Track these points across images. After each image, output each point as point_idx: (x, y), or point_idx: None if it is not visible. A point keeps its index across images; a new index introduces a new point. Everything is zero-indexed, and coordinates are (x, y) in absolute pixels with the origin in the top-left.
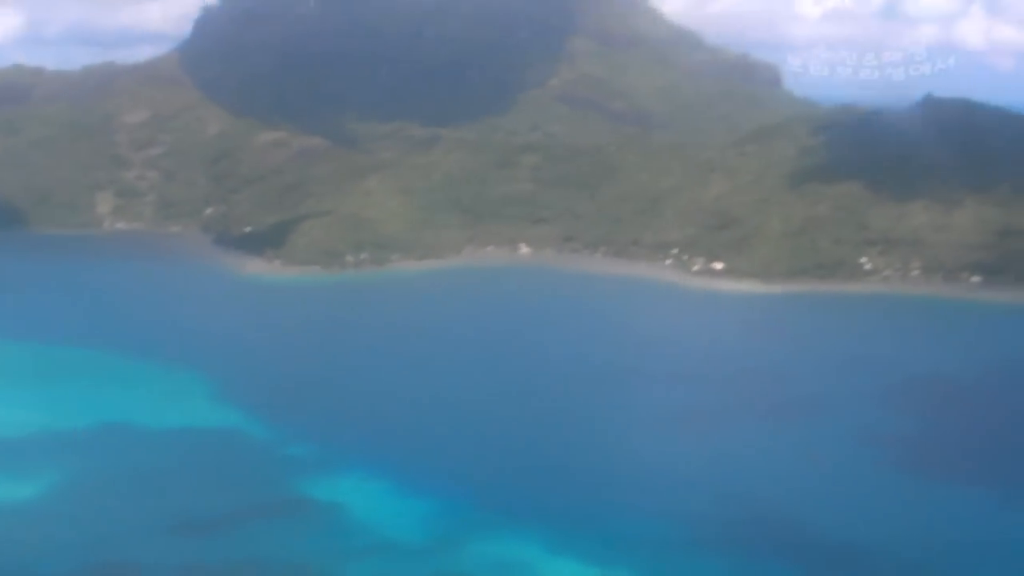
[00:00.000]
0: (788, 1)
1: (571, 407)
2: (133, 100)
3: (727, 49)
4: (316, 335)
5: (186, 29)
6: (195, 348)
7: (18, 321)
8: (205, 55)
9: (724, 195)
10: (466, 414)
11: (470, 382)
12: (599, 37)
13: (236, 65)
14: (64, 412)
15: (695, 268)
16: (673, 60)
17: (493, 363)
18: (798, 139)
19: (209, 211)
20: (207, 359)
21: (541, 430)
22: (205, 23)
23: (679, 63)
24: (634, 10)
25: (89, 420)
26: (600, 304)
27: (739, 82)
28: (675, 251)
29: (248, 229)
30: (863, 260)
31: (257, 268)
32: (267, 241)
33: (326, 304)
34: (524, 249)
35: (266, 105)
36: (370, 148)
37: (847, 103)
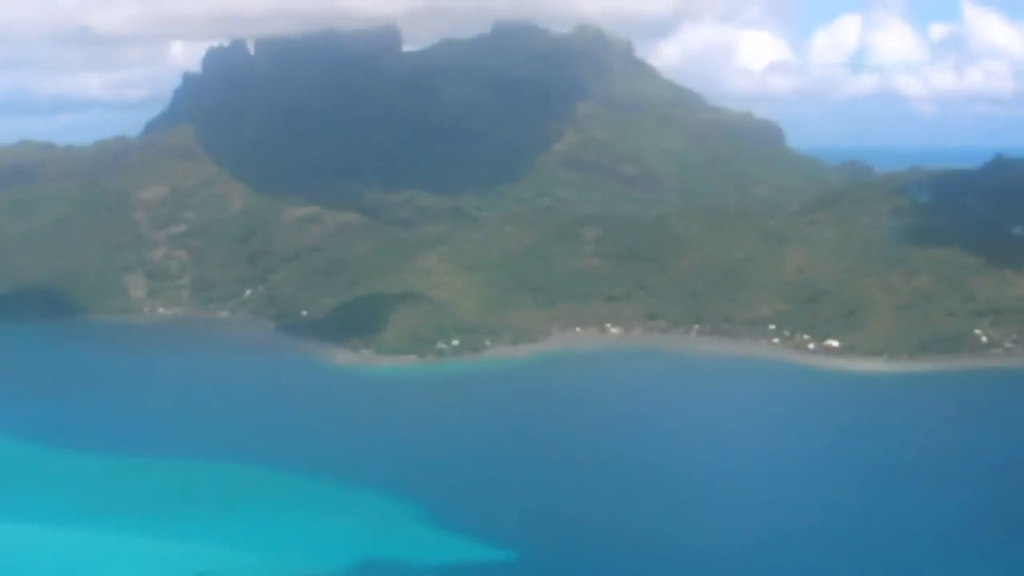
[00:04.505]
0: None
1: (862, 517)
2: (148, 175)
3: (729, 108)
4: (483, 441)
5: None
6: (364, 462)
7: (141, 433)
8: (213, 127)
9: (806, 266)
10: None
11: (697, 486)
12: (603, 100)
13: (235, 134)
14: (306, 551)
15: (810, 347)
16: (678, 120)
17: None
18: (868, 205)
19: (248, 292)
20: (385, 475)
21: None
22: (187, 92)
23: (684, 123)
24: (635, 71)
25: (340, 562)
26: (747, 393)
27: (743, 141)
28: (773, 327)
29: (304, 313)
30: (978, 332)
31: (347, 359)
32: (342, 328)
33: (461, 399)
34: (613, 330)
35: (278, 176)
36: (407, 222)
37: (850, 159)
